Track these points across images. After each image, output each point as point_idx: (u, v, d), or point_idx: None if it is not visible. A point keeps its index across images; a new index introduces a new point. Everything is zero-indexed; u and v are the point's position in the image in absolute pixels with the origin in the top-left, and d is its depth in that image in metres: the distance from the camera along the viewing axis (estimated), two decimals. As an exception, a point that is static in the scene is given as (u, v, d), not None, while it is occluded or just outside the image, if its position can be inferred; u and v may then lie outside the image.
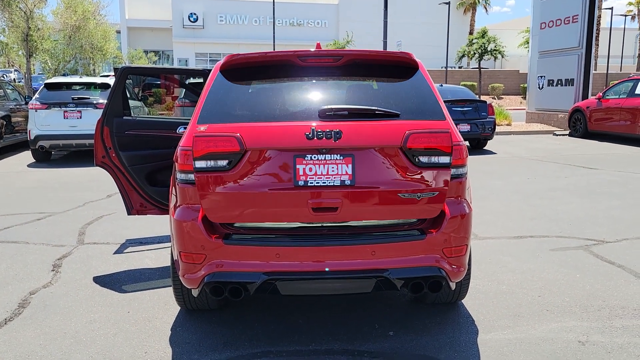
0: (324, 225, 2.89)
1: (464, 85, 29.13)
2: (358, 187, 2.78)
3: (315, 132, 2.75)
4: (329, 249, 2.79)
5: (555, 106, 17.63)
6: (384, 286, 2.88)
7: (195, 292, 3.00)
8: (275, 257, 2.76)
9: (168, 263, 4.41)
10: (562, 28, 17.37)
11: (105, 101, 4.61)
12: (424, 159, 2.82)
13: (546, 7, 18.22)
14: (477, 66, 36.31)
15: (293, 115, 2.96)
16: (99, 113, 8.72)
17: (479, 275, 4.15)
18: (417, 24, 45.77)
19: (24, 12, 19.65)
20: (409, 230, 2.92)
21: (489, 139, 12.36)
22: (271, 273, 2.76)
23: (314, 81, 3.22)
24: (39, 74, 30.19)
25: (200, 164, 2.79)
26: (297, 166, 2.76)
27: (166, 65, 44.31)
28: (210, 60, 44.99)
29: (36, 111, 10.27)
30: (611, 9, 40.67)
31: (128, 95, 5.28)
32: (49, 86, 10.77)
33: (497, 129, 14.40)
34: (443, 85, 14.11)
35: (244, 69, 3.23)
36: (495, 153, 11.86)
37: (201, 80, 4.87)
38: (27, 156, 11.20)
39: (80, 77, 13.89)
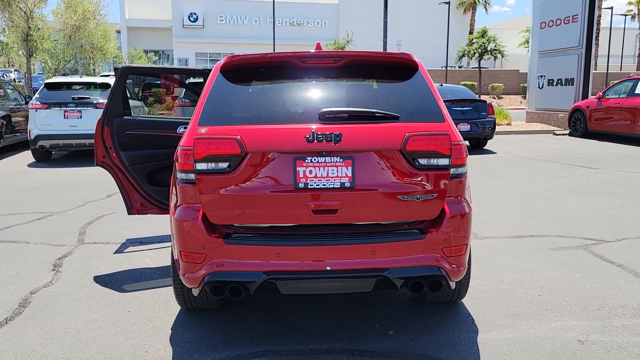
0: (324, 225, 2.90)
1: (464, 84, 29.14)
2: (358, 189, 2.79)
3: (315, 135, 2.76)
4: (328, 249, 2.79)
5: (555, 106, 17.64)
6: (384, 285, 2.89)
7: (195, 292, 3.01)
8: (275, 257, 2.77)
9: (168, 262, 4.42)
10: (562, 28, 17.38)
11: (106, 101, 4.61)
12: (423, 161, 2.83)
13: (546, 6, 18.22)
14: (477, 66, 36.32)
15: (293, 118, 2.97)
16: (99, 113, 8.72)
17: (478, 274, 4.16)
18: (417, 23, 45.77)
19: (24, 12, 19.67)
20: (408, 229, 2.92)
21: (489, 139, 12.37)
22: (271, 272, 2.77)
23: (314, 82, 3.23)
24: (39, 73, 30.21)
25: (201, 166, 2.80)
26: (298, 168, 2.77)
27: (166, 65, 44.31)
28: (210, 60, 44.99)
29: (36, 111, 10.28)
30: (611, 8, 40.68)
31: (128, 95, 5.28)
32: (49, 86, 10.77)
33: (497, 128, 14.40)
34: (443, 85, 14.12)
35: (244, 70, 3.23)
36: (495, 153, 11.86)
37: (201, 80, 4.87)
38: (27, 156, 11.20)
39: (81, 77, 13.90)
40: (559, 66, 17.60)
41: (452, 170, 2.86)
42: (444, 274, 2.85)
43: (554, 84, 17.97)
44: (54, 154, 11.32)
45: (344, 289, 3.00)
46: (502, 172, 9.15)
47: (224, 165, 2.79)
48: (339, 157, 2.78)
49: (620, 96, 13.64)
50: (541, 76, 18.57)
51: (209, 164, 2.79)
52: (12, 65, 36.67)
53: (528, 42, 22.60)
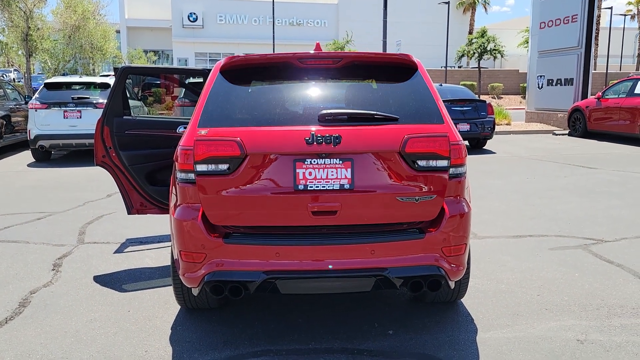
0: (324, 226, 2.90)
1: (464, 84, 29.13)
2: (357, 190, 2.80)
3: (314, 137, 2.77)
4: (328, 248, 2.80)
5: (555, 106, 17.65)
6: (384, 285, 2.89)
7: (195, 291, 3.02)
8: (275, 256, 2.77)
9: (168, 262, 4.42)
10: (561, 28, 17.39)
11: (105, 101, 4.61)
12: (422, 163, 2.84)
13: (545, 6, 18.23)
14: (477, 66, 36.33)
15: (293, 119, 2.98)
16: (98, 113, 8.73)
17: (478, 274, 4.16)
18: (417, 23, 45.77)
19: (24, 12, 19.67)
20: (408, 229, 2.93)
21: (489, 139, 12.38)
22: (271, 272, 2.78)
23: (313, 83, 3.23)
24: (38, 73, 30.19)
25: (201, 167, 2.80)
26: (297, 170, 2.78)
27: (166, 65, 44.29)
28: (210, 60, 44.98)
29: (36, 111, 10.28)
30: (610, 8, 40.67)
31: (128, 95, 5.29)
32: (49, 86, 10.77)
33: (497, 128, 14.39)
34: (442, 84, 14.12)
35: (244, 71, 3.24)
36: (494, 152, 11.87)
37: (201, 80, 4.88)
38: (27, 156, 11.20)
39: (80, 77, 13.89)
40: (559, 66, 17.61)
41: (451, 171, 2.87)
42: (443, 273, 2.86)
43: (554, 84, 17.98)
44: (54, 153, 11.32)
45: (343, 288, 3.01)
46: (502, 172, 9.16)
47: (224, 166, 2.79)
48: (338, 159, 2.79)
49: (620, 96, 13.65)
50: (541, 76, 18.58)
51: (209, 165, 2.80)
52: (12, 65, 36.66)
53: (527, 42, 22.59)
